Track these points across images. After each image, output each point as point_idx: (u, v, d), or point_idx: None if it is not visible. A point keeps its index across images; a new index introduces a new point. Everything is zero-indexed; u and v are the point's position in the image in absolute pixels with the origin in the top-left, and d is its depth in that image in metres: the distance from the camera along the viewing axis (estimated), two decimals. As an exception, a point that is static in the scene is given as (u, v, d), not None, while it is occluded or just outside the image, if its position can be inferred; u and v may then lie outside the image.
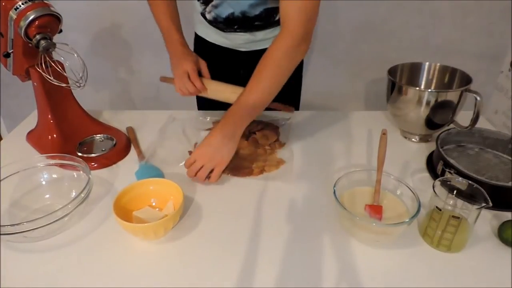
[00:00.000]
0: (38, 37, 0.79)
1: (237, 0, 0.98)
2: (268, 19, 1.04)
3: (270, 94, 0.84)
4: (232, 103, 0.91)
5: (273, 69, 0.82)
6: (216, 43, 1.14)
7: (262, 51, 1.11)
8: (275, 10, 1.02)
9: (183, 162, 0.84)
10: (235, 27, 1.05)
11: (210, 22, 1.08)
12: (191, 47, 1.22)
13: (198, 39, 1.19)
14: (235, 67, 1.18)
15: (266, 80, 0.83)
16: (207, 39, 1.15)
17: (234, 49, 1.13)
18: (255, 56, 1.12)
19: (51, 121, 0.91)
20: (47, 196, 0.79)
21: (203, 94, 0.96)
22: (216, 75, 1.21)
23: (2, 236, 0.64)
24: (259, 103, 0.84)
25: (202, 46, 1.18)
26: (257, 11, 1.01)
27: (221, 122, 0.83)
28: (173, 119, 1.08)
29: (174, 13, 1.01)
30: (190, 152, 0.92)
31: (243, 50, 1.12)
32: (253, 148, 0.92)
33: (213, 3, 1.02)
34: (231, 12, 1.02)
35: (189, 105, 1.23)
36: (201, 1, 1.05)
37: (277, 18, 1.04)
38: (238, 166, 0.86)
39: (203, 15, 1.08)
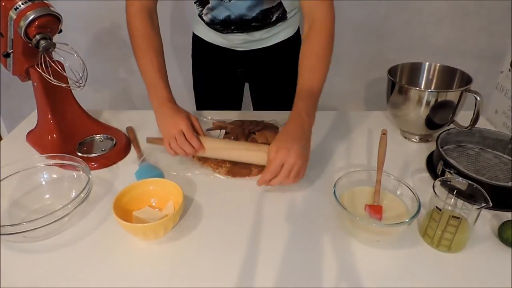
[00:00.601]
0: (38, 37, 0.79)
1: (235, 1, 0.98)
2: (264, 20, 1.04)
3: (323, 83, 0.86)
4: (231, 159, 0.85)
5: (322, 61, 0.86)
6: (214, 43, 1.14)
7: (260, 50, 1.12)
8: (271, 10, 1.03)
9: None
10: (232, 27, 1.06)
11: (208, 24, 1.08)
12: (189, 47, 1.23)
13: (196, 39, 1.19)
14: (233, 66, 1.18)
15: (319, 71, 0.86)
16: (205, 39, 1.15)
17: (232, 49, 1.13)
18: (253, 55, 1.13)
19: (51, 121, 0.91)
20: (47, 196, 0.79)
21: (200, 154, 0.85)
22: (215, 75, 1.21)
23: (2, 236, 0.64)
24: (318, 93, 0.85)
25: (200, 46, 1.19)
26: (254, 13, 1.02)
27: (294, 118, 0.80)
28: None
29: (162, 63, 0.91)
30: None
31: (241, 49, 1.13)
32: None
33: (209, 5, 1.02)
34: (227, 15, 1.03)
35: (189, 105, 1.23)
36: (198, 3, 1.05)
37: (273, 19, 1.05)
38: (237, 167, 0.86)
39: (200, 16, 1.08)
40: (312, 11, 0.86)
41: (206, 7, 1.04)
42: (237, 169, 0.85)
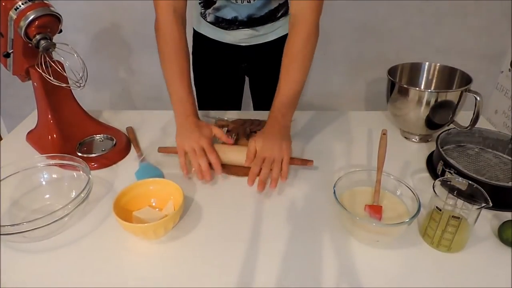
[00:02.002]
0: (38, 37, 0.79)
1: (246, 3, 0.98)
2: (271, 17, 1.06)
3: (302, 82, 0.87)
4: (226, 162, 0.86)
5: (299, 60, 0.86)
6: (217, 40, 1.14)
7: (263, 44, 1.13)
8: (278, 9, 1.05)
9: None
10: (237, 23, 1.06)
11: (211, 23, 1.08)
12: (190, 44, 1.22)
13: (197, 36, 1.18)
14: (236, 61, 1.19)
15: (296, 71, 0.86)
16: (207, 35, 1.15)
17: (236, 44, 1.14)
18: (256, 49, 1.13)
19: (51, 121, 0.91)
20: (47, 196, 0.79)
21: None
22: (217, 71, 1.21)
23: (2, 236, 0.64)
24: (294, 93, 0.87)
25: (201, 42, 1.18)
26: (262, 12, 1.03)
27: (268, 122, 0.86)
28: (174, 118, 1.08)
29: (189, 75, 0.90)
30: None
31: (245, 44, 1.13)
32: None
33: (215, 6, 1.02)
34: (234, 16, 1.03)
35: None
36: (202, 4, 1.04)
37: (279, 15, 1.07)
38: (237, 166, 0.86)
39: (203, 16, 1.08)
40: (295, 8, 0.85)
41: (211, 8, 1.04)
42: (237, 168, 0.85)
